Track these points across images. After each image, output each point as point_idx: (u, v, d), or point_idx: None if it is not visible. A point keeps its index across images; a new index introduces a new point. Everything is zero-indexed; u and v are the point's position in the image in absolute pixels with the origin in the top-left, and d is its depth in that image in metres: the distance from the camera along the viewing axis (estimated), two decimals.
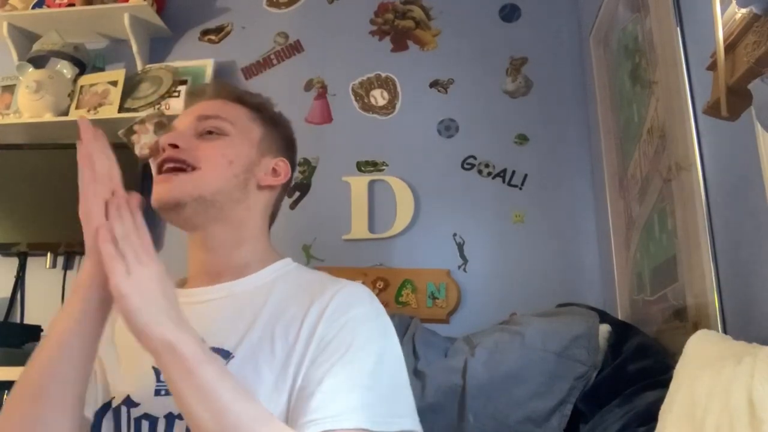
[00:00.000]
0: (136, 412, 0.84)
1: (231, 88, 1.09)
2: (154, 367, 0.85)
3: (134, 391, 0.86)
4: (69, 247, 2.05)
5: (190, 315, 0.84)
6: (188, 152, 0.95)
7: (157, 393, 0.84)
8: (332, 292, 0.90)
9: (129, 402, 0.86)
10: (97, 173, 0.78)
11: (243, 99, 1.06)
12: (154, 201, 0.94)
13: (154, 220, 2.16)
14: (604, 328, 1.37)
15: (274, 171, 1.05)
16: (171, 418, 0.82)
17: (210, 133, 0.99)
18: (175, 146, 0.96)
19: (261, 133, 1.04)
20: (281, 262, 1.02)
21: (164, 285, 0.75)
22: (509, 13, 2.21)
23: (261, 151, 1.03)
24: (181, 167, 0.95)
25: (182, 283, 1.02)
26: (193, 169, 0.94)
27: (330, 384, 0.78)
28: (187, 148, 0.96)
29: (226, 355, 0.85)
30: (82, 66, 2.24)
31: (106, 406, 0.87)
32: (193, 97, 1.08)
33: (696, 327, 1.12)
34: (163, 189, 0.94)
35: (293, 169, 1.10)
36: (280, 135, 1.09)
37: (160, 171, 0.96)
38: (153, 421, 0.83)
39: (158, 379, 0.85)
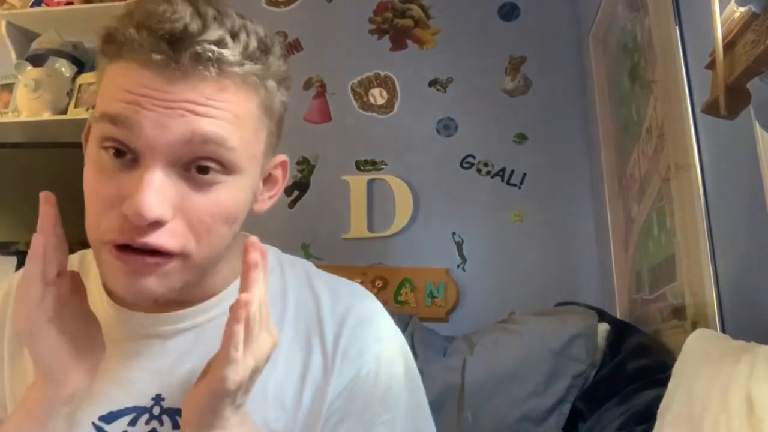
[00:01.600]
0: None
1: (243, 54, 0.59)
2: (94, 424, 0.65)
3: None
4: (68, 246, 2.05)
5: (141, 353, 0.67)
6: (173, 230, 0.57)
7: None
8: (335, 328, 0.70)
9: None
10: None
11: (260, 74, 0.61)
12: (116, 291, 0.61)
13: None
14: (603, 327, 1.38)
15: (272, 182, 0.71)
16: None
17: (205, 168, 0.58)
18: (156, 223, 0.56)
19: (266, 135, 0.65)
20: None
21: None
22: (508, 12, 2.21)
23: (265, 160, 0.67)
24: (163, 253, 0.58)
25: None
26: (183, 256, 0.59)
27: None
28: (173, 228, 0.57)
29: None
30: (80, 65, 2.23)
31: None
32: (155, 60, 0.56)
33: (694, 326, 1.12)
34: (132, 286, 0.59)
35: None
36: (282, 98, 0.67)
37: (121, 247, 0.57)
38: None
39: None
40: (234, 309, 0.55)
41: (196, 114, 0.56)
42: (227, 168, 0.59)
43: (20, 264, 2.09)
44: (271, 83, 0.63)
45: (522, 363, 1.32)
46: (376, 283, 1.95)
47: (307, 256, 2.03)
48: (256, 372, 0.58)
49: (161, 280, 0.59)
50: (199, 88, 0.56)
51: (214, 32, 0.56)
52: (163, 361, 0.67)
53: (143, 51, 0.55)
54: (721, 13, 0.83)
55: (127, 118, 0.55)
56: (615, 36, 1.70)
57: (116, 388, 0.66)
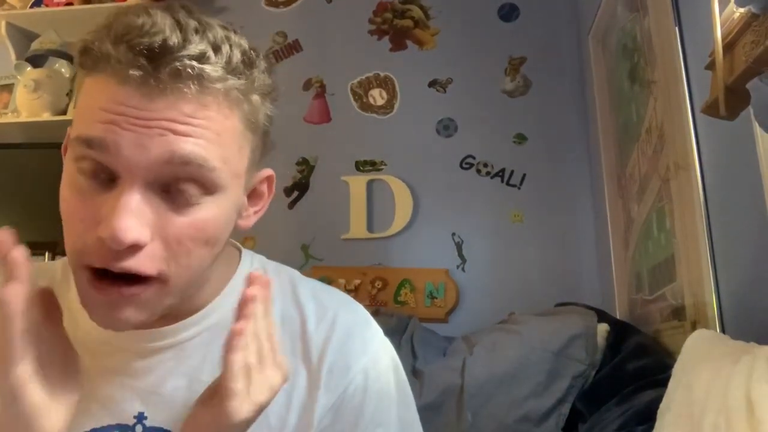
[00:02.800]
0: None
1: (227, 69, 0.56)
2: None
3: None
4: None
5: (123, 369, 0.65)
6: (154, 256, 0.55)
7: None
8: (320, 345, 0.68)
9: None
10: None
11: (243, 89, 0.59)
12: (93, 320, 0.58)
13: None
14: (603, 328, 1.38)
15: (258, 197, 0.68)
16: None
17: (181, 191, 0.56)
18: (135, 247, 0.54)
19: (250, 151, 0.62)
20: (240, 273, 0.71)
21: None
22: (508, 13, 2.21)
23: (248, 176, 0.63)
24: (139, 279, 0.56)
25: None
26: (161, 281, 0.57)
27: None
28: (151, 251, 0.55)
29: None
30: None
31: None
32: (132, 76, 0.53)
33: (694, 326, 1.12)
34: (108, 316, 0.57)
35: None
36: (267, 111, 0.64)
37: (98, 272, 0.55)
38: None
39: None
40: (228, 339, 0.54)
41: (176, 133, 0.53)
42: (208, 188, 0.56)
43: None
44: (256, 97, 0.60)
45: (522, 363, 1.32)
46: (376, 284, 1.95)
47: (307, 256, 2.03)
48: (263, 407, 0.56)
49: (139, 309, 0.57)
50: (178, 105, 0.53)
51: (195, 47, 0.54)
52: (145, 379, 0.65)
53: (121, 67, 0.53)
54: (720, 13, 0.83)
55: (103, 140, 0.53)
56: (615, 36, 1.71)
57: (98, 406, 0.64)
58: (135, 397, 0.64)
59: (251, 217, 0.67)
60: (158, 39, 0.53)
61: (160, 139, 0.53)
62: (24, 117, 2.12)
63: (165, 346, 0.65)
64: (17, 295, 0.51)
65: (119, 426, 0.64)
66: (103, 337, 0.63)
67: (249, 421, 0.55)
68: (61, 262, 0.74)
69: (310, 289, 0.73)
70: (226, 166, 0.57)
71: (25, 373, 0.52)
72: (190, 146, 0.54)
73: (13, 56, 2.25)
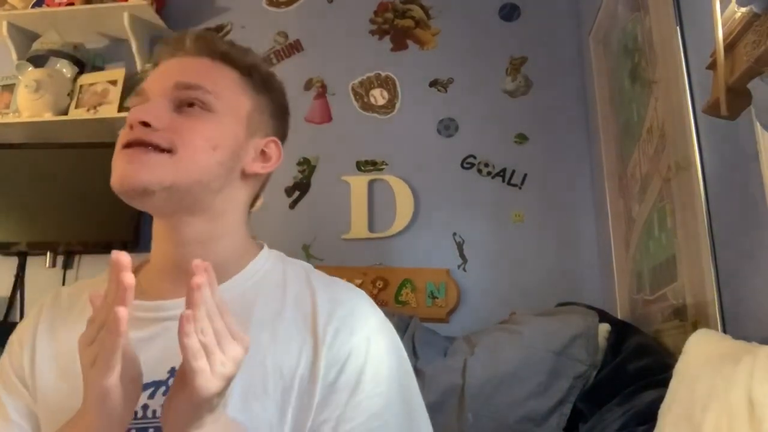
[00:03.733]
0: None
1: (217, 43, 0.87)
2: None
3: None
4: (69, 247, 2.05)
5: (157, 335, 0.77)
6: (163, 134, 0.77)
7: None
8: (327, 313, 0.79)
9: None
10: None
11: (232, 58, 0.87)
12: (114, 182, 0.76)
13: None
14: (604, 328, 1.38)
15: (264, 154, 0.87)
16: None
17: (191, 105, 0.80)
18: (146, 124, 0.77)
19: (251, 105, 0.86)
20: (261, 258, 0.87)
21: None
22: (509, 13, 2.21)
23: (250, 129, 0.85)
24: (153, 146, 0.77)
25: (137, 271, 0.85)
26: (169, 152, 0.77)
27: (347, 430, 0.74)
28: (161, 128, 0.77)
29: None
30: (81, 65, 2.24)
31: None
32: (168, 50, 0.87)
33: (695, 326, 1.12)
34: (127, 170, 0.75)
35: (284, 139, 0.93)
36: (273, 105, 0.92)
37: (125, 146, 0.77)
38: None
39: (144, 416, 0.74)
40: (180, 326, 0.62)
41: (183, 71, 0.83)
42: (205, 106, 0.80)
43: (21, 264, 2.10)
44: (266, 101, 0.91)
45: (523, 363, 1.32)
46: (377, 284, 1.95)
47: (308, 256, 2.03)
48: (230, 378, 0.64)
49: (149, 169, 0.75)
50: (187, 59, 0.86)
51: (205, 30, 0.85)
52: (175, 340, 0.71)
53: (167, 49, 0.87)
54: (722, 13, 0.83)
55: (147, 74, 0.88)
56: (616, 36, 1.70)
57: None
58: (167, 356, 0.74)
59: (257, 165, 0.86)
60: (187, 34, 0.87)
61: (172, 73, 0.83)
62: (25, 117, 2.12)
63: None
64: (125, 317, 0.61)
65: (155, 382, 0.74)
66: (142, 310, 0.78)
67: (220, 394, 0.64)
68: (76, 286, 0.91)
69: (322, 278, 0.88)
70: (222, 97, 0.82)
71: (115, 380, 0.63)
72: (192, 77, 0.82)
73: (14, 56, 2.25)
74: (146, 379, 0.71)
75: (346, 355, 0.76)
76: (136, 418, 0.72)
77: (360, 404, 0.75)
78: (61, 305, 0.86)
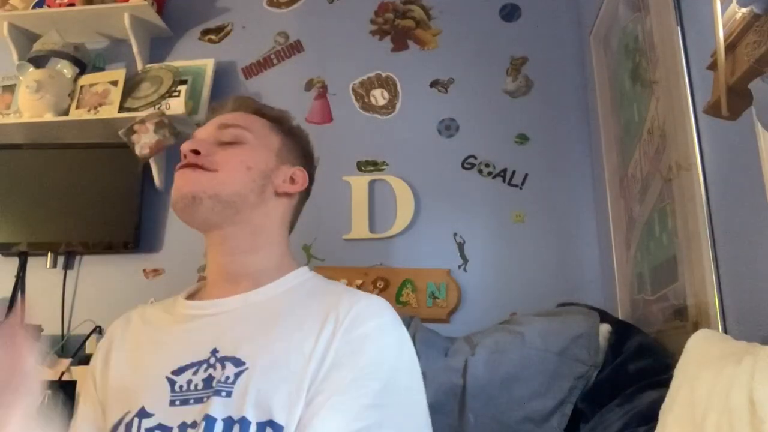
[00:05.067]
0: (148, 423, 0.85)
1: (251, 102, 1.13)
2: (167, 377, 0.88)
3: (148, 401, 0.87)
4: (69, 247, 2.05)
5: (203, 326, 0.94)
6: (208, 158, 1.00)
7: (172, 403, 0.86)
8: (348, 304, 0.91)
9: (142, 413, 0.86)
10: None
11: (262, 111, 1.11)
12: (173, 196, 0.98)
13: (155, 221, 2.12)
14: (605, 328, 1.37)
15: (292, 179, 1.07)
16: (184, 428, 0.83)
17: (230, 143, 1.02)
18: (196, 152, 1.00)
19: (279, 142, 1.08)
20: (298, 271, 1.04)
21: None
22: (509, 13, 2.21)
23: (280, 159, 1.07)
24: (200, 167, 1.00)
25: (197, 290, 1.06)
26: (213, 171, 0.99)
27: (336, 402, 0.81)
28: (206, 154, 1.00)
29: (239, 363, 0.87)
30: (82, 66, 2.24)
31: (118, 423, 0.88)
32: (214, 110, 1.12)
33: (696, 326, 1.12)
34: (180, 182, 0.98)
35: (311, 180, 1.13)
36: (299, 146, 1.13)
37: (179, 169, 1.01)
38: (166, 431, 0.84)
39: (173, 390, 0.87)
40: None
41: (223, 118, 1.08)
42: (239, 139, 1.03)
43: (22, 265, 2.10)
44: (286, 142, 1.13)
45: (524, 364, 1.32)
46: (378, 284, 1.95)
47: (309, 257, 2.03)
48: None
49: (197, 182, 0.97)
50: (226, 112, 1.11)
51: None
52: (217, 327, 0.93)
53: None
54: (722, 13, 0.83)
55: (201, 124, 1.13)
56: (616, 36, 1.70)
57: (183, 349, 0.91)
58: (210, 339, 0.90)
59: (286, 185, 1.06)
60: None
61: (215, 122, 1.08)
62: (26, 118, 2.12)
63: (236, 307, 0.96)
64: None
65: (199, 362, 0.88)
66: (191, 308, 0.99)
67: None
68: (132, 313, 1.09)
69: (346, 287, 1.04)
70: (254, 133, 1.05)
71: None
72: (230, 120, 1.07)
73: (15, 57, 2.25)
74: (192, 359, 0.88)
75: (356, 337, 0.87)
76: (181, 391, 0.86)
77: (356, 381, 0.83)
78: (139, 317, 1.05)
